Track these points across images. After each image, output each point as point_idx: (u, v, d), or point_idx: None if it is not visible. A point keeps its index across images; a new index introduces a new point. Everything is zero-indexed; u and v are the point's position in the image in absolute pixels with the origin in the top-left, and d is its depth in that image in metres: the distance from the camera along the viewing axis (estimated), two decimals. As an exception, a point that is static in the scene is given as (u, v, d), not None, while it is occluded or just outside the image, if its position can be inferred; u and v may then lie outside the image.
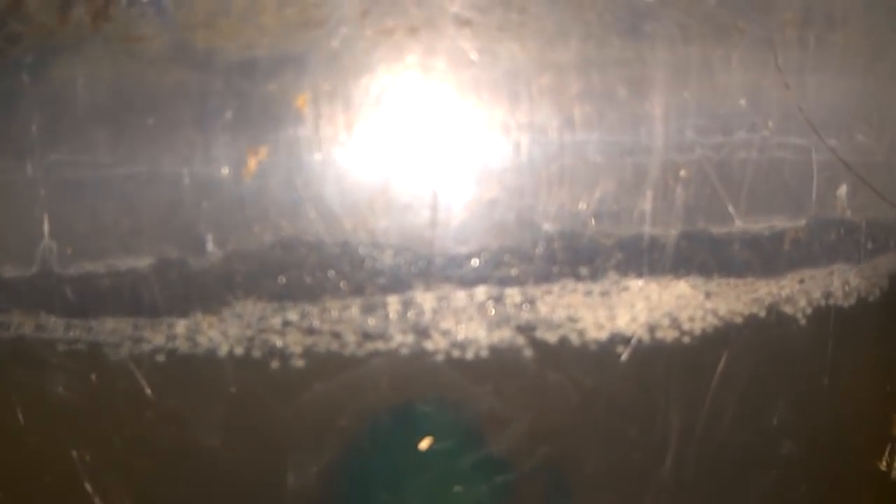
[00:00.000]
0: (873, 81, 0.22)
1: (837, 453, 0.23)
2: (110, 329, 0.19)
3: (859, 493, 0.24)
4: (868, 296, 0.23)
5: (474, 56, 0.17)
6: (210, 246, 0.18)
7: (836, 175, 0.22)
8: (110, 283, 0.18)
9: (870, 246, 0.23)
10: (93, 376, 0.19)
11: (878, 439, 0.25)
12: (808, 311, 0.21)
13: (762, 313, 0.21)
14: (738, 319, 0.21)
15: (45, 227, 0.18)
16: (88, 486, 0.19)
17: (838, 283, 0.22)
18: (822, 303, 0.22)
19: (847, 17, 0.21)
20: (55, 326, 0.19)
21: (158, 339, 0.18)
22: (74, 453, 0.19)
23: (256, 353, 0.18)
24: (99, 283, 0.18)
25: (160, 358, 0.18)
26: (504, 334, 0.19)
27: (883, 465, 0.26)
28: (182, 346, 0.18)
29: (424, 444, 0.19)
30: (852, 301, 0.23)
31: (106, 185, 0.18)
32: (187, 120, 0.17)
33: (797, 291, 0.21)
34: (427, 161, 0.18)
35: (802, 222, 0.21)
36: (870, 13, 0.22)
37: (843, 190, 0.22)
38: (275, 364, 0.18)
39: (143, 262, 0.18)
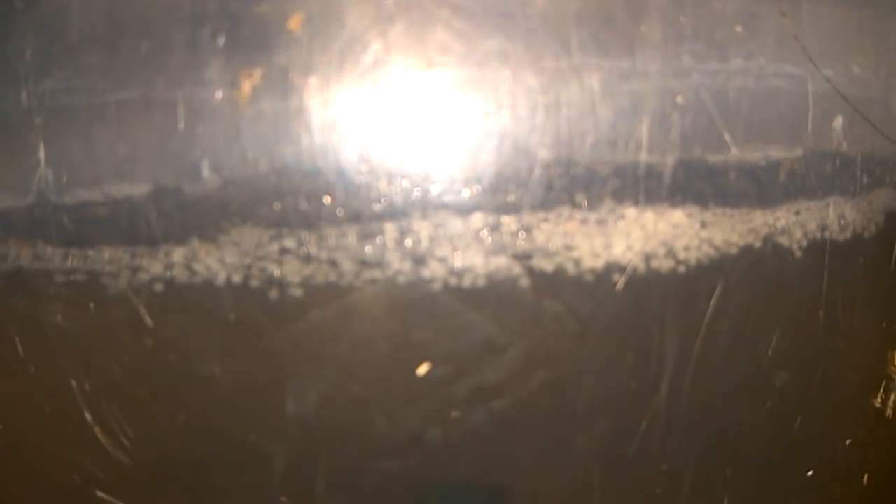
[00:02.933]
0: (871, 12, 0.22)
1: (832, 388, 0.23)
2: (108, 258, 0.19)
3: (854, 429, 0.25)
4: (863, 231, 0.23)
5: (469, -23, 0.17)
6: (205, 172, 0.18)
7: (832, 107, 0.22)
8: (107, 211, 0.18)
9: (865, 180, 0.23)
10: (91, 306, 0.19)
11: (874, 376, 0.26)
12: (804, 243, 0.22)
13: (758, 244, 0.21)
14: (734, 250, 0.21)
15: (41, 155, 0.18)
16: (88, 415, 0.19)
17: (834, 216, 0.22)
18: (818, 235, 0.22)
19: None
20: (52, 256, 0.19)
21: (156, 268, 0.18)
22: (74, 383, 0.19)
23: (254, 282, 0.19)
24: (95, 211, 0.18)
25: (158, 287, 0.19)
26: (501, 262, 0.19)
27: (878, 402, 0.26)
28: (180, 274, 0.18)
29: (421, 369, 0.19)
30: (848, 235, 0.23)
31: (100, 111, 0.18)
32: (180, 43, 0.17)
33: (793, 223, 0.21)
34: (423, 85, 0.18)
35: (798, 153, 0.21)
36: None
37: (839, 122, 0.22)
38: (272, 292, 0.18)
39: (139, 190, 0.18)
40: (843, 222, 0.22)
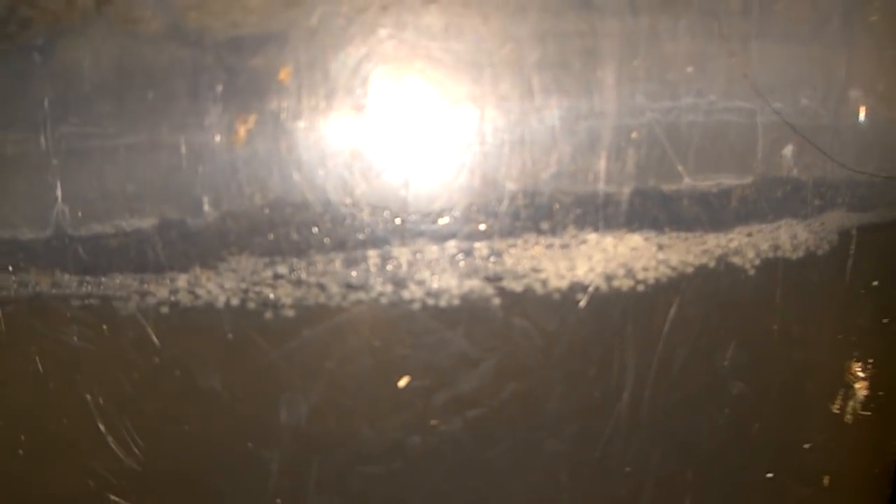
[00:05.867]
0: (818, 48, 0.24)
1: (789, 395, 0.25)
2: (119, 284, 0.21)
3: (812, 434, 0.26)
4: (817, 249, 0.25)
5: (440, 30, 0.19)
6: (206, 207, 0.20)
7: (782, 136, 0.23)
8: (118, 242, 0.20)
9: (817, 202, 0.25)
10: (104, 327, 0.21)
11: (832, 384, 0.27)
12: (757, 262, 0.23)
13: (712, 264, 0.23)
14: (689, 269, 0.22)
15: (58, 193, 0.20)
16: (101, 426, 0.21)
17: (786, 236, 0.24)
18: (770, 255, 0.24)
19: (790, -11, 0.23)
20: (69, 283, 0.21)
21: (162, 293, 0.20)
22: (88, 397, 0.21)
23: (251, 304, 0.20)
24: (107, 242, 0.20)
25: (164, 310, 0.20)
26: (474, 284, 0.21)
27: (836, 409, 0.28)
28: (184, 298, 0.20)
29: (402, 382, 0.21)
30: (800, 254, 0.24)
31: (111, 153, 0.20)
32: (182, 93, 0.19)
33: (745, 244, 0.23)
34: (400, 126, 0.20)
35: (749, 180, 0.23)
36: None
37: (788, 150, 0.24)
38: (268, 313, 0.20)
39: (147, 223, 0.20)
40: (795, 242, 0.24)
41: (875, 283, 0.28)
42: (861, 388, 0.28)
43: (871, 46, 0.26)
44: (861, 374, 0.28)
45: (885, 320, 0.29)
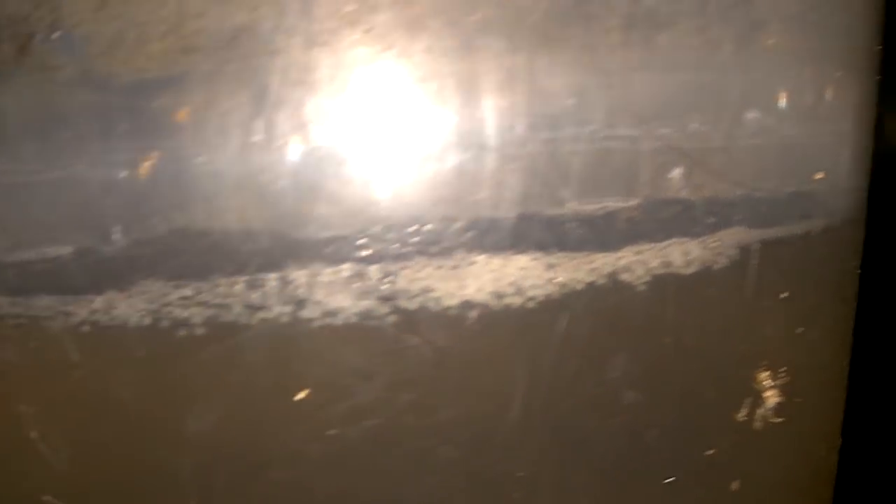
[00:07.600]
0: (707, 74, 0.25)
1: (688, 404, 0.26)
2: (45, 305, 0.22)
3: (715, 440, 0.27)
4: (712, 264, 0.26)
5: (324, 74, 0.21)
6: (116, 235, 0.21)
7: (669, 159, 0.25)
8: (42, 268, 0.22)
9: (710, 220, 0.26)
10: (33, 345, 0.23)
11: (737, 393, 0.28)
12: (647, 278, 0.25)
13: (601, 281, 0.24)
14: (579, 286, 0.24)
15: (-12, 224, 0.22)
16: (33, 434, 0.23)
17: (677, 253, 0.25)
18: (661, 271, 0.25)
19: (674, 20, 0.24)
20: (2, 304, 0.23)
21: (83, 313, 0.22)
22: (21, 407, 0.23)
23: (162, 323, 0.22)
24: (34, 267, 0.22)
25: (85, 328, 0.22)
26: (368, 304, 0.22)
27: (742, 416, 0.29)
28: (101, 318, 0.22)
29: (302, 394, 0.22)
30: (694, 269, 0.26)
31: (33, 188, 0.22)
32: (94, 132, 0.21)
33: (634, 262, 0.24)
34: (291, 160, 0.21)
35: (635, 202, 0.24)
36: (701, 12, 0.25)
37: (677, 172, 0.25)
38: (177, 331, 0.22)
39: (65, 250, 0.22)
40: (688, 258, 0.25)
41: (784, 294, 0.29)
42: (771, 396, 0.29)
43: (768, 69, 0.27)
44: (771, 383, 0.29)
45: (799, 330, 0.30)
